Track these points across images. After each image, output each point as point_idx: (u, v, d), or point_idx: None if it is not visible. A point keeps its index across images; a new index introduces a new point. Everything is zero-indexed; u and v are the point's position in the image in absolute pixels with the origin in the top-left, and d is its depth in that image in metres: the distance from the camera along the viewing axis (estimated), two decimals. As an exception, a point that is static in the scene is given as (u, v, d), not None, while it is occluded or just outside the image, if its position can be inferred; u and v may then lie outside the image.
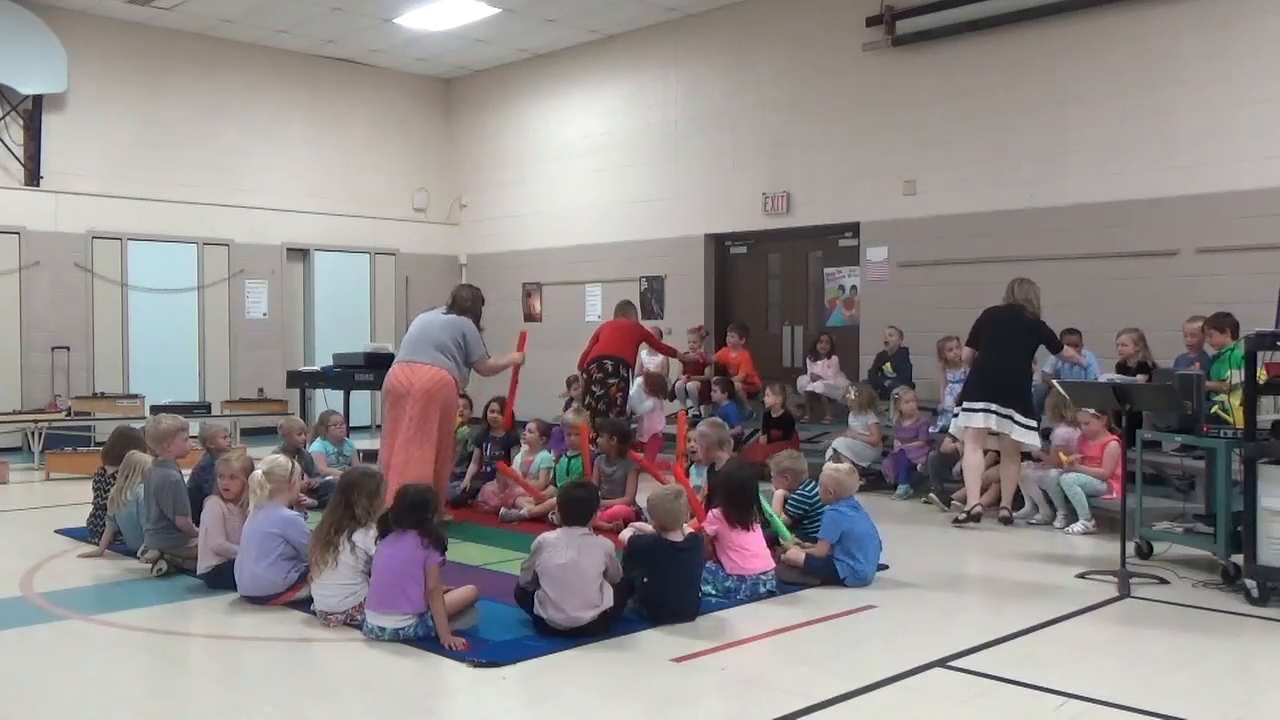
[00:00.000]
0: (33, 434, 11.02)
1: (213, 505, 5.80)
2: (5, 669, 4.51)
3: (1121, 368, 8.29)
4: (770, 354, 11.98)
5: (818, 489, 6.24)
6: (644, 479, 7.79)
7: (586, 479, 7.00)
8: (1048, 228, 9.79)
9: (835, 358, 10.75)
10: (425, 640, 4.71)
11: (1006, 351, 7.81)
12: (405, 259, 15.35)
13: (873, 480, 9.09)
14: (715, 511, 5.68)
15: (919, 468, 8.97)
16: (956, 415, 7.91)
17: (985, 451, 7.95)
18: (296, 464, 5.89)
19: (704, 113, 12.65)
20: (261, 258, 14.10)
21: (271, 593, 5.37)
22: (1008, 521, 7.71)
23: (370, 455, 9.28)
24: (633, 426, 9.70)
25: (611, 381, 9.81)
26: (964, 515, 7.73)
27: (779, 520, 6.19)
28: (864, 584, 5.81)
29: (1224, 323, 7.41)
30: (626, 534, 6.06)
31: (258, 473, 5.55)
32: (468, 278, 15.68)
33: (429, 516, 4.89)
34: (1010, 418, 7.60)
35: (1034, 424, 7.67)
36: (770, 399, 9.89)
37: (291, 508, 5.67)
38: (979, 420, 7.68)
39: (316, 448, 8.71)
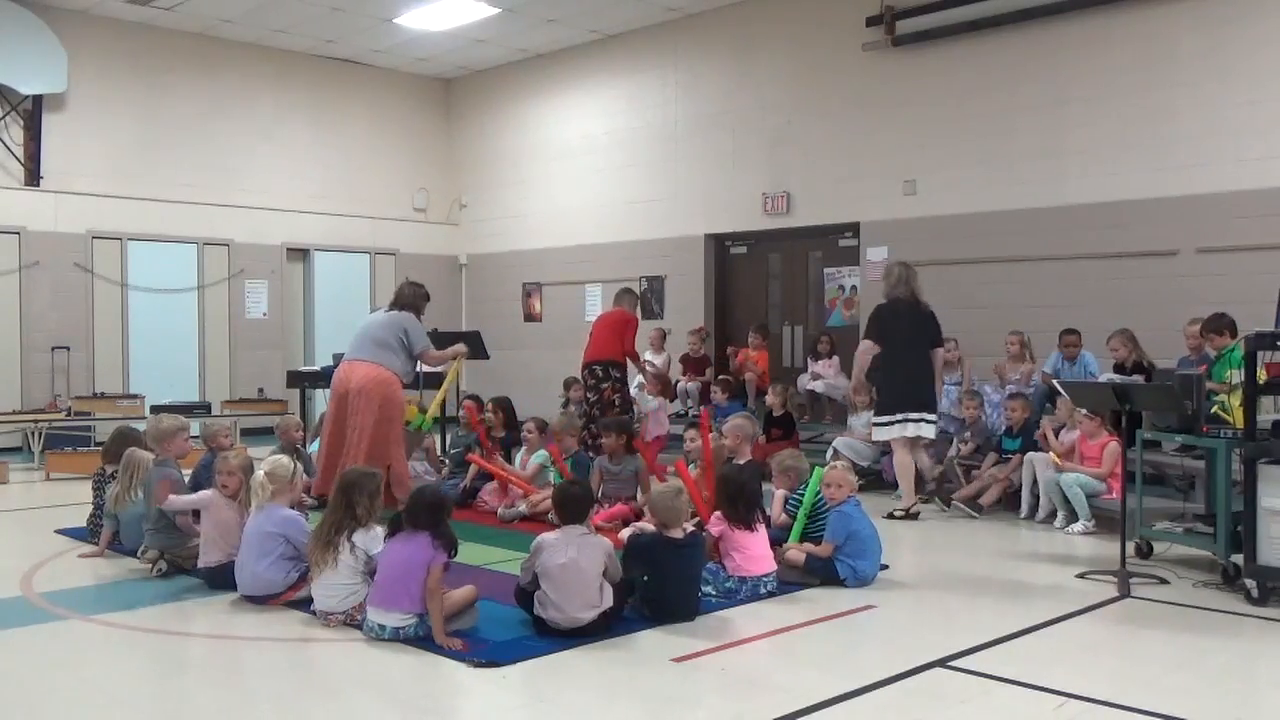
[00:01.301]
0: (33, 434, 11.03)
1: (211, 493, 5.85)
2: (5, 669, 4.51)
3: (1119, 369, 8.29)
4: (770, 354, 11.97)
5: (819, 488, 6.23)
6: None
7: (579, 478, 7.03)
8: (1047, 228, 9.79)
9: (836, 358, 10.76)
10: (425, 640, 4.71)
11: (916, 353, 8.03)
12: (405, 259, 15.33)
13: (872, 480, 9.08)
14: (719, 513, 5.68)
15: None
16: (888, 425, 8.02)
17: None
18: (297, 463, 5.89)
19: (704, 113, 12.65)
20: (261, 258, 14.10)
21: (271, 592, 5.37)
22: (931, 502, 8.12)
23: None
24: (635, 425, 9.70)
25: (604, 386, 9.79)
26: (901, 513, 7.90)
27: (801, 525, 6.17)
28: (864, 584, 5.81)
29: (1221, 325, 7.39)
30: (626, 533, 6.06)
31: (260, 473, 5.55)
32: (468, 278, 15.73)
33: (443, 518, 4.89)
34: (923, 420, 7.97)
35: (934, 417, 8.07)
36: (771, 398, 9.94)
37: (293, 507, 5.67)
38: (910, 430, 7.94)
39: (316, 448, 8.70)
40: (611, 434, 7.90)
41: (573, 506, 5.06)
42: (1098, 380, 8.02)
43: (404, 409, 7.85)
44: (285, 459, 5.73)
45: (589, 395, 9.95)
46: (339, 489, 5.21)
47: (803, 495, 6.33)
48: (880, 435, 8.13)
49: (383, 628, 4.78)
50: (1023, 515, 7.92)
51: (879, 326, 8.06)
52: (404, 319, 7.76)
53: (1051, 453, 7.75)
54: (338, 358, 11.60)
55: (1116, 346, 8.29)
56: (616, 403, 9.79)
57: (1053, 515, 7.70)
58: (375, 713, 4.04)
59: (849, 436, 9.41)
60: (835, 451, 9.04)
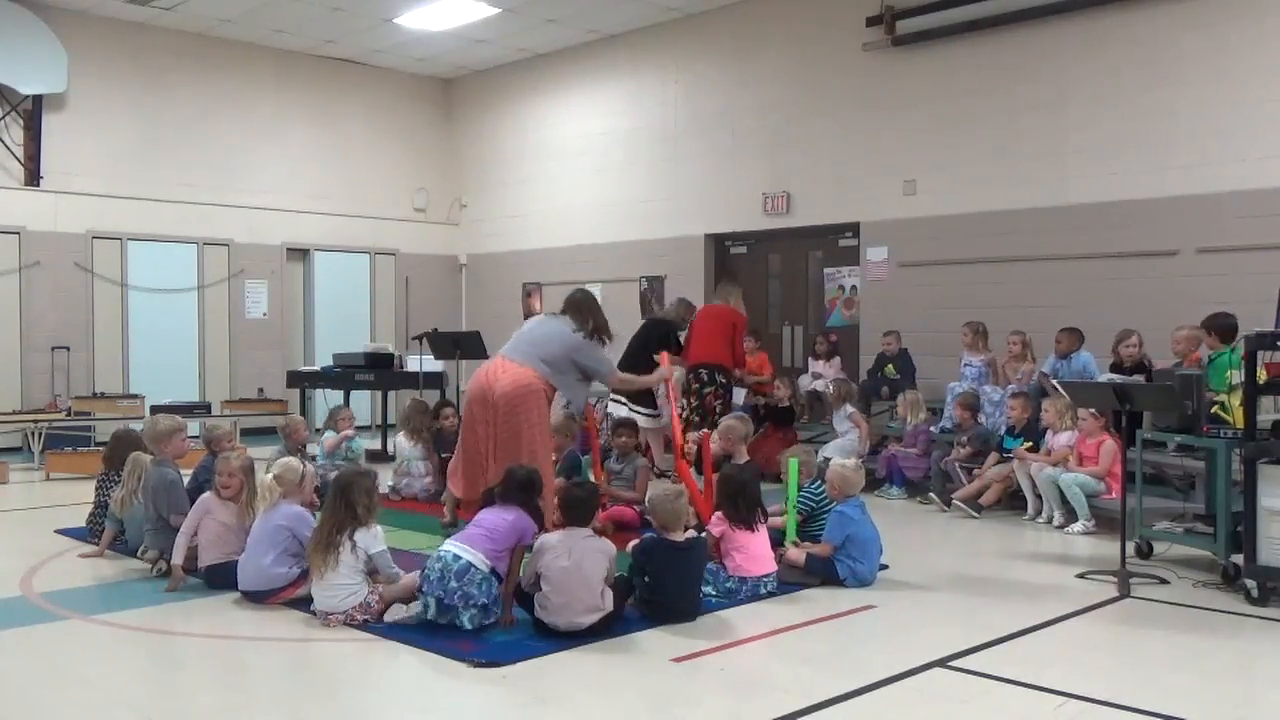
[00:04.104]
0: (33, 434, 11.02)
1: (204, 499, 5.83)
2: (5, 669, 4.51)
3: (1117, 368, 8.27)
4: (770, 354, 11.96)
5: (824, 487, 6.24)
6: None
7: (585, 479, 7.01)
8: (1048, 228, 9.78)
9: (837, 358, 10.76)
10: (428, 637, 4.71)
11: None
12: (405, 259, 15.35)
13: (870, 481, 9.07)
14: (719, 514, 5.68)
15: (907, 474, 9.00)
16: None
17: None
18: (306, 465, 5.87)
19: (704, 113, 12.65)
20: (261, 258, 14.10)
21: (274, 587, 5.36)
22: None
23: (373, 455, 9.28)
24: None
25: (708, 391, 9.38)
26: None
27: (794, 521, 6.18)
28: (864, 585, 5.81)
29: (1214, 325, 7.36)
30: (633, 545, 6.04)
31: (268, 476, 5.56)
32: (468, 278, 15.73)
33: (534, 497, 5.21)
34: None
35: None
36: (780, 390, 10.09)
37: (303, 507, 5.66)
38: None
39: (330, 435, 8.69)
40: (623, 433, 7.88)
41: (578, 509, 5.06)
42: (1097, 380, 8.01)
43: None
44: (295, 462, 5.73)
45: (690, 399, 9.47)
46: (337, 489, 5.21)
47: (809, 493, 6.34)
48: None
49: (457, 558, 4.86)
50: (1028, 516, 7.91)
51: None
52: (587, 349, 6.71)
53: (1047, 453, 7.75)
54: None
55: (1135, 343, 8.25)
56: (718, 410, 9.35)
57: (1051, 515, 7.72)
58: (375, 713, 4.04)
59: (836, 439, 9.42)
60: (828, 460, 9.03)
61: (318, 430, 9.00)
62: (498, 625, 4.93)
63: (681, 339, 10.09)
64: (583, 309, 6.84)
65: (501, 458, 6.26)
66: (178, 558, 5.75)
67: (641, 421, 9.46)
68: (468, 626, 4.80)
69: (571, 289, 14.13)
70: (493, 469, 6.27)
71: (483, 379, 6.58)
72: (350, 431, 8.83)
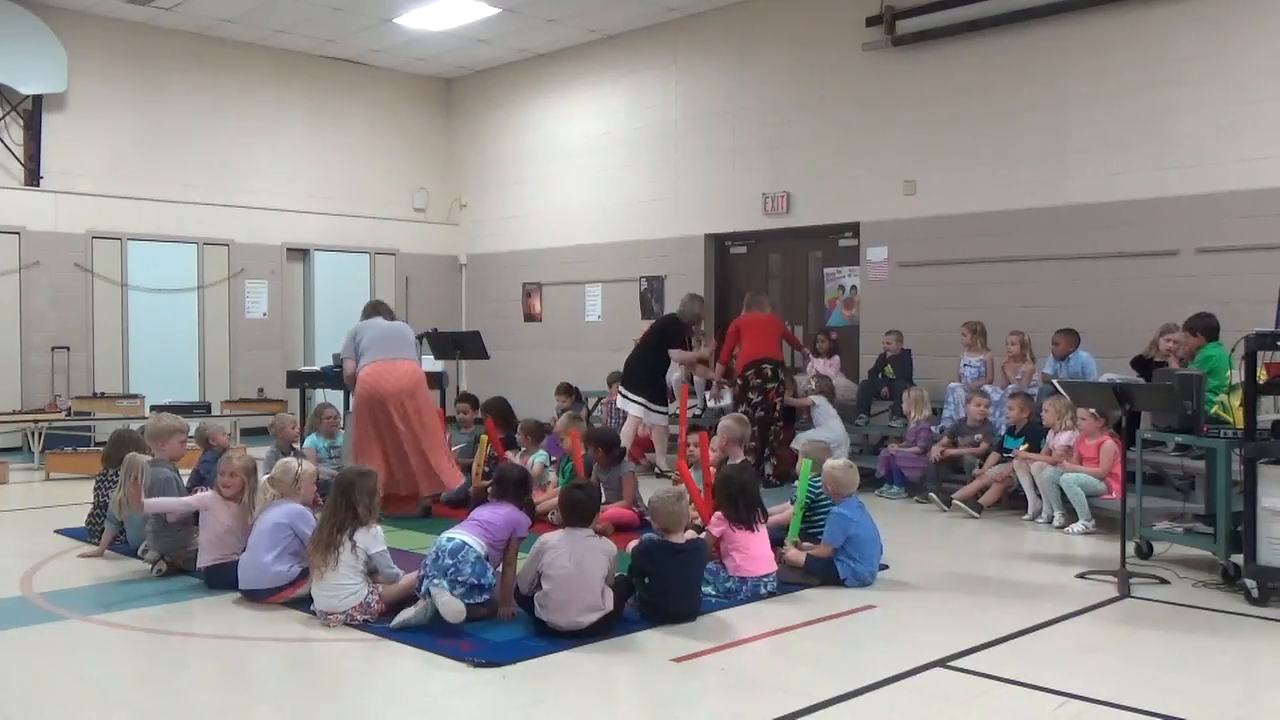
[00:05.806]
0: (33, 434, 11.02)
1: (207, 495, 5.85)
2: (5, 669, 4.51)
3: (1141, 361, 8.21)
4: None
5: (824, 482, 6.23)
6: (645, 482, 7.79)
7: (587, 481, 6.99)
8: (1048, 228, 9.79)
9: (837, 357, 10.77)
10: (433, 641, 4.72)
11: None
12: (405, 259, 15.35)
13: (870, 480, 9.06)
14: (719, 514, 5.68)
15: (906, 473, 8.99)
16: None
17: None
18: (306, 463, 5.85)
19: (704, 113, 12.65)
20: (261, 258, 14.10)
21: (276, 585, 5.36)
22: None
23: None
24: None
25: (770, 387, 9.38)
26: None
27: (799, 520, 6.17)
28: (864, 585, 5.81)
29: (1197, 325, 7.28)
30: (633, 545, 6.03)
31: (264, 479, 5.57)
32: (468, 278, 15.74)
33: (528, 492, 5.50)
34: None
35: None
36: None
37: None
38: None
39: (309, 443, 8.61)
40: (593, 446, 7.76)
41: (578, 509, 5.06)
42: (1098, 380, 8.01)
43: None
44: (292, 463, 5.72)
45: (750, 395, 9.41)
46: (338, 489, 5.21)
47: (812, 483, 6.33)
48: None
49: (450, 539, 4.96)
50: (1028, 516, 7.90)
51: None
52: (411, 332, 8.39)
53: (1048, 454, 7.75)
54: (338, 358, 11.71)
55: (1176, 340, 8.21)
56: (778, 407, 9.37)
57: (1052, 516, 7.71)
58: (375, 713, 4.04)
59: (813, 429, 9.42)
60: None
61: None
62: (497, 617, 4.99)
63: (692, 337, 10.17)
64: (389, 308, 8.49)
65: (427, 442, 7.76)
66: (156, 507, 5.92)
67: (647, 416, 9.52)
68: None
69: (570, 289, 14.27)
70: (418, 458, 7.72)
71: (391, 380, 7.69)
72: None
